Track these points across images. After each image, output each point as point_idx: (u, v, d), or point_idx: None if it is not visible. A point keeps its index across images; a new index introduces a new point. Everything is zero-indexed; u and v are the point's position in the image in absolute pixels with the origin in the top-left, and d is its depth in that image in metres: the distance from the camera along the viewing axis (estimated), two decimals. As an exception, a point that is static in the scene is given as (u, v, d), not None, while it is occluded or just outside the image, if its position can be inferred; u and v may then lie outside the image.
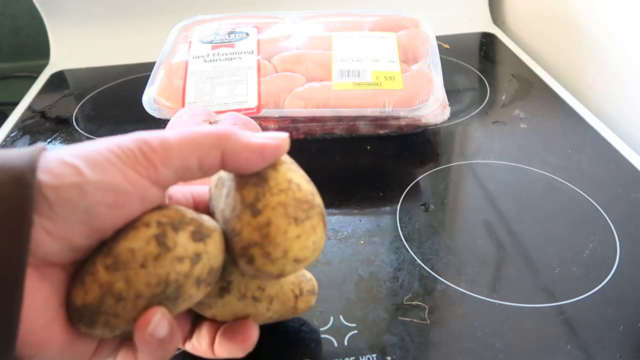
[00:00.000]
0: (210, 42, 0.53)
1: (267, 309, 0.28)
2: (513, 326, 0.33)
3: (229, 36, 0.54)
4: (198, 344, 0.28)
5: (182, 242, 0.22)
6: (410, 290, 0.36)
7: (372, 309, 0.34)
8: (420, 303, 0.35)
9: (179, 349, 0.29)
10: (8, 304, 0.19)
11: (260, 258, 0.23)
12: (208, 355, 0.27)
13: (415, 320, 0.34)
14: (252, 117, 0.43)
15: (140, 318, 0.22)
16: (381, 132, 0.52)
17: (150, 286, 0.21)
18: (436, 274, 0.37)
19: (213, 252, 0.23)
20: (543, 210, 0.42)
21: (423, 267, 0.37)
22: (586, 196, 0.44)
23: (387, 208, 0.43)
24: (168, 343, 0.22)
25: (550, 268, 0.37)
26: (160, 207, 0.23)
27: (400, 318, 0.34)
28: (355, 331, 0.33)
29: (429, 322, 0.33)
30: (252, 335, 0.27)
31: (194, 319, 0.28)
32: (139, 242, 0.22)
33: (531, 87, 0.61)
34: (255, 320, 0.28)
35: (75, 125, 0.58)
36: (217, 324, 0.28)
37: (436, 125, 0.49)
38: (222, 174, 0.26)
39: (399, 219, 0.42)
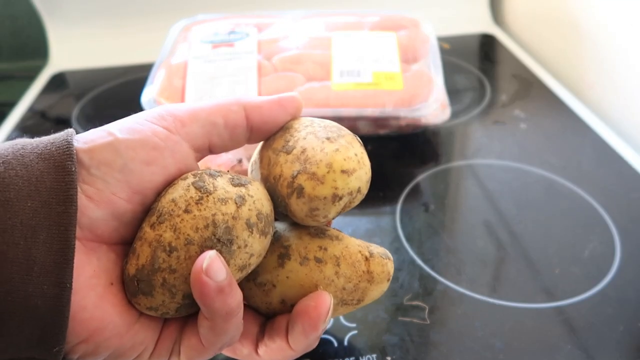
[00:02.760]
0: (210, 42, 0.53)
1: (336, 273, 0.25)
2: (513, 326, 0.33)
3: (229, 36, 0.54)
4: (272, 341, 0.25)
5: (222, 185, 0.22)
6: (410, 290, 0.36)
7: (372, 309, 0.34)
8: (420, 303, 0.35)
9: None
10: (60, 268, 0.19)
11: (309, 182, 0.22)
12: (284, 352, 0.25)
13: (415, 320, 0.34)
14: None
15: (195, 261, 0.21)
16: (381, 132, 0.52)
17: (198, 229, 0.21)
18: (436, 274, 0.37)
19: (257, 195, 0.23)
20: (543, 210, 0.42)
21: (423, 267, 0.37)
22: (586, 196, 0.44)
23: (387, 208, 0.43)
24: (228, 295, 0.21)
25: (550, 268, 0.37)
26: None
27: (400, 318, 0.34)
28: (355, 331, 0.33)
29: (429, 322, 0.33)
30: (324, 300, 0.24)
31: (262, 323, 0.26)
32: (179, 191, 0.22)
33: (531, 87, 0.61)
34: (327, 290, 0.25)
35: (75, 126, 0.58)
36: (288, 316, 0.25)
37: (436, 125, 0.49)
38: (253, 157, 0.27)
39: (399, 219, 0.42)
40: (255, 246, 0.22)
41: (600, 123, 0.54)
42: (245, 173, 0.36)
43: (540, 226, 0.41)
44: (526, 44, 0.73)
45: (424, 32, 0.54)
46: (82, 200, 0.20)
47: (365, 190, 0.24)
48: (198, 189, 0.22)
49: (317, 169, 0.22)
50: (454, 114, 0.55)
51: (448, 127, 0.54)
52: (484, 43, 0.73)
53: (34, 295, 0.19)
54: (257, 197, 0.23)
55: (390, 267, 0.27)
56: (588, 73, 0.60)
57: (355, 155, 0.23)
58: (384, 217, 0.42)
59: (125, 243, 0.23)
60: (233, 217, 0.21)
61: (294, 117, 0.26)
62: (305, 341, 0.24)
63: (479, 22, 0.77)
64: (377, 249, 0.27)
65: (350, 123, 0.50)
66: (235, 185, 0.22)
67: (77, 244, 0.20)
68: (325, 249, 0.25)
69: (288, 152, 0.23)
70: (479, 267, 0.37)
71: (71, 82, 0.68)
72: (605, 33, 0.57)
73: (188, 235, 0.21)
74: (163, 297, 0.21)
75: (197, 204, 0.21)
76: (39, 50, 0.78)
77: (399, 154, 0.50)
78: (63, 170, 0.20)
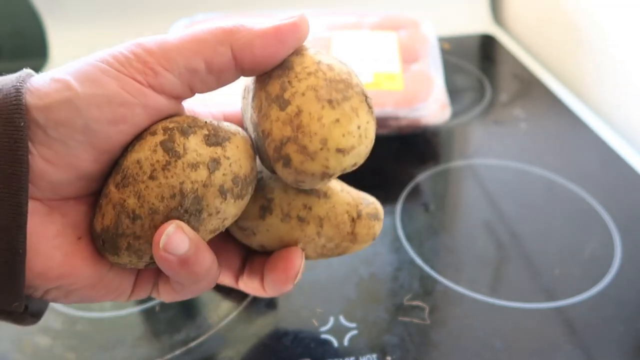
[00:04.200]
0: (210, 42, 0.53)
1: (317, 233, 0.24)
2: (513, 326, 0.33)
3: (229, 36, 0.54)
4: (250, 280, 0.25)
5: (194, 146, 0.19)
6: (410, 290, 0.36)
7: (372, 309, 0.34)
8: (420, 303, 0.35)
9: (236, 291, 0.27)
10: (10, 236, 0.18)
11: (297, 155, 0.19)
12: (260, 292, 0.25)
13: (415, 321, 0.34)
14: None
15: (155, 233, 0.19)
16: (381, 132, 0.52)
17: (164, 199, 0.19)
18: (436, 274, 0.37)
19: (235, 156, 0.20)
20: (543, 210, 0.42)
21: (423, 267, 0.37)
22: (586, 196, 0.44)
23: (387, 208, 0.43)
24: (194, 264, 0.20)
25: (550, 268, 0.37)
26: (172, 116, 0.21)
27: (400, 318, 0.34)
28: (356, 331, 0.33)
29: (429, 322, 0.33)
30: (295, 262, 0.23)
31: (245, 256, 0.26)
32: (145, 151, 0.19)
33: (531, 87, 0.61)
34: (307, 248, 0.24)
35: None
36: (267, 258, 0.25)
37: (436, 125, 0.49)
38: (247, 81, 0.23)
39: (399, 219, 0.42)
40: (229, 211, 0.21)
41: (600, 123, 0.54)
42: None
43: (540, 226, 0.41)
44: (526, 44, 0.73)
45: (424, 32, 0.55)
46: (39, 163, 0.18)
47: (362, 161, 0.21)
48: (166, 151, 0.19)
49: (309, 143, 0.19)
50: (454, 114, 0.55)
51: (448, 127, 0.54)
52: (484, 43, 0.73)
53: None
54: (235, 158, 0.20)
55: (377, 228, 0.25)
56: (588, 73, 0.60)
57: (358, 128, 0.20)
58: (384, 217, 0.42)
59: (99, 193, 0.21)
60: (204, 185, 0.19)
61: (297, 50, 0.21)
62: (278, 292, 0.24)
63: (479, 22, 0.77)
64: (367, 208, 0.25)
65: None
66: (210, 145, 0.20)
67: (37, 205, 0.19)
68: (310, 208, 0.23)
69: (281, 108, 0.20)
70: (479, 267, 0.37)
71: (71, 82, 0.68)
72: (606, 33, 0.57)
73: (153, 204, 0.19)
74: (129, 258, 0.20)
75: (163, 169, 0.19)
76: (39, 50, 0.78)
77: (399, 154, 0.50)
78: (11, 126, 0.17)
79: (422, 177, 0.47)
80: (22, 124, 0.17)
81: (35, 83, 0.18)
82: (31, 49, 0.80)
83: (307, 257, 0.25)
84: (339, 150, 0.19)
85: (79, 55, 0.20)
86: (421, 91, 0.48)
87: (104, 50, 0.20)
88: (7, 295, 0.19)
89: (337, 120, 0.19)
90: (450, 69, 0.65)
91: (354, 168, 0.21)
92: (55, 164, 0.19)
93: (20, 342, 0.32)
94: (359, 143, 0.20)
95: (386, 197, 0.45)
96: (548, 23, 0.68)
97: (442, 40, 0.70)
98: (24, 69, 0.19)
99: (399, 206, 0.43)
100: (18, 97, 0.18)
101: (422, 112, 0.47)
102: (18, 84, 0.18)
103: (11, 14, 0.78)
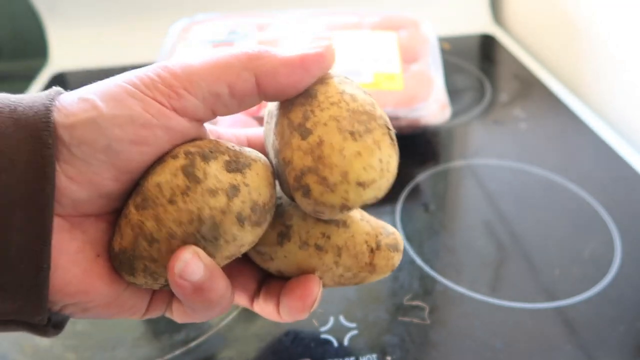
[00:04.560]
0: (210, 42, 0.53)
1: (335, 262, 0.24)
2: (513, 326, 0.33)
3: (229, 36, 0.54)
4: (265, 304, 0.25)
5: (214, 173, 0.20)
6: (410, 290, 0.36)
7: (372, 309, 0.34)
8: (420, 303, 0.35)
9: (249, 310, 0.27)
10: (37, 252, 0.18)
11: (317, 186, 0.19)
12: (275, 317, 0.25)
13: (415, 321, 0.34)
14: (252, 118, 0.43)
15: (170, 259, 0.19)
16: (381, 132, 0.52)
17: (182, 224, 0.19)
18: (436, 274, 0.37)
19: (254, 184, 0.20)
20: (543, 210, 0.42)
21: (423, 267, 0.37)
22: (586, 196, 0.44)
23: (387, 208, 0.43)
24: (208, 291, 0.20)
25: (550, 268, 0.37)
26: (194, 140, 0.21)
27: (400, 318, 0.34)
28: (356, 331, 0.33)
29: (429, 322, 0.33)
30: (312, 290, 0.23)
31: (262, 279, 0.26)
32: (166, 175, 0.19)
33: (531, 87, 0.61)
34: (324, 277, 0.24)
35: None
36: (284, 283, 0.25)
37: (436, 125, 0.49)
38: (271, 106, 0.23)
39: (399, 219, 0.42)
40: (246, 238, 0.21)
41: (600, 123, 0.54)
42: None
43: (540, 226, 0.41)
44: (526, 44, 0.73)
45: (424, 32, 0.55)
46: (62, 181, 0.19)
47: (383, 195, 0.21)
48: (186, 176, 0.19)
49: (329, 174, 0.19)
50: (454, 114, 0.55)
51: (448, 127, 0.54)
52: (484, 43, 0.73)
53: (11, 276, 0.18)
54: (254, 186, 0.20)
55: (396, 260, 0.25)
56: (588, 73, 0.60)
57: (380, 161, 0.20)
58: (384, 217, 0.42)
59: (119, 211, 0.21)
60: (222, 212, 0.19)
61: (322, 78, 0.21)
62: (293, 318, 0.24)
63: (479, 22, 0.77)
64: (387, 239, 0.25)
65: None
66: (230, 171, 0.20)
67: (59, 221, 0.19)
68: (328, 237, 0.23)
69: (303, 137, 0.20)
70: (479, 267, 0.37)
71: (71, 82, 0.68)
72: (606, 33, 0.57)
73: (170, 229, 0.19)
74: (145, 279, 0.21)
75: (183, 194, 0.19)
76: (39, 50, 0.78)
77: (399, 154, 0.50)
78: (40, 143, 0.18)
79: (422, 177, 0.47)
80: (50, 141, 0.18)
81: (63, 101, 0.19)
82: (31, 49, 0.80)
83: (324, 285, 0.25)
84: (360, 184, 0.19)
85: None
86: (421, 91, 0.48)
87: (131, 71, 0.20)
88: (31, 308, 0.19)
89: (359, 153, 0.19)
90: (450, 69, 0.65)
91: (375, 201, 0.21)
92: (77, 182, 0.19)
93: (21, 342, 0.32)
94: (380, 177, 0.20)
95: (386, 197, 0.44)
96: (548, 23, 0.68)
97: (442, 40, 0.70)
98: (54, 87, 0.20)
99: (399, 206, 0.43)
100: (47, 115, 0.18)
101: (422, 112, 0.47)
102: (48, 102, 0.18)
103: (11, 14, 0.78)
